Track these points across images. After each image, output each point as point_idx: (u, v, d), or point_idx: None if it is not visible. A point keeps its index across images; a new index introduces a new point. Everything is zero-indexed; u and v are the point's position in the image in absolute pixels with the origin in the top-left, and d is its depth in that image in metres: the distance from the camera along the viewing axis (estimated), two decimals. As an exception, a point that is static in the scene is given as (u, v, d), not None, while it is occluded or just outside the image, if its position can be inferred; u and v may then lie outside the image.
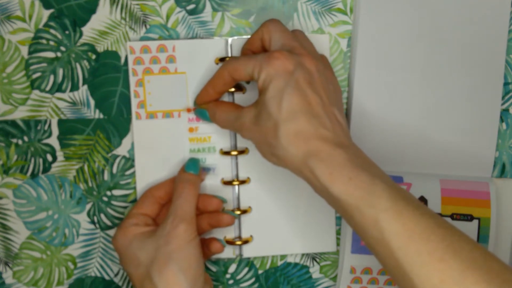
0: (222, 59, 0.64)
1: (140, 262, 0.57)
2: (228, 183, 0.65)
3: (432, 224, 0.48)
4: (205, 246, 0.63)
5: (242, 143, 0.65)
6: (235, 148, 0.65)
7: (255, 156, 0.63)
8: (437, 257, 0.47)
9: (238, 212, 0.65)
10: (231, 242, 0.65)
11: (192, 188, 0.60)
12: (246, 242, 0.66)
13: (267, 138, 0.54)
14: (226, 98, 0.64)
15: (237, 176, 0.65)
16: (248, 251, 0.66)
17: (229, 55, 0.64)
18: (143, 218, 0.61)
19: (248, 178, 0.65)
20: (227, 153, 0.65)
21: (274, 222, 0.66)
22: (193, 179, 0.61)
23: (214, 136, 0.65)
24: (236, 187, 0.65)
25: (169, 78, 0.64)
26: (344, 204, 0.51)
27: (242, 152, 0.65)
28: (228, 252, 0.66)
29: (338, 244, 0.67)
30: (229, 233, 0.66)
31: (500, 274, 0.46)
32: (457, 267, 0.46)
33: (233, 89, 0.63)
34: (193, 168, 0.62)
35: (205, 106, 0.62)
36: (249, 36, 0.60)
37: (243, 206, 0.66)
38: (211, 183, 0.65)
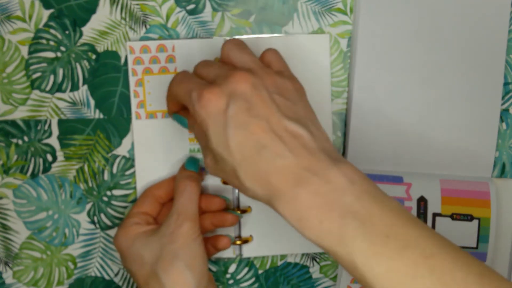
0: (221, 59, 0.64)
1: (144, 261, 0.57)
2: (228, 183, 0.65)
3: (418, 257, 0.44)
4: (209, 244, 0.63)
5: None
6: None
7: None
8: None
9: (238, 212, 0.65)
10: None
11: (194, 186, 0.60)
12: (246, 241, 0.66)
13: (233, 181, 0.50)
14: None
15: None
16: (248, 251, 0.66)
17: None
18: (144, 217, 0.61)
19: (248, 177, 0.65)
20: None
21: (274, 222, 0.66)
22: (195, 176, 0.61)
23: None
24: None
25: (169, 78, 0.63)
26: (321, 247, 0.47)
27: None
28: (228, 252, 0.66)
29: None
30: (229, 233, 0.66)
31: None
32: None
33: None
34: (193, 166, 0.62)
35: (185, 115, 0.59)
36: (249, 36, 0.60)
37: (243, 206, 0.66)
38: (212, 183, 0.65)
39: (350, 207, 0.46)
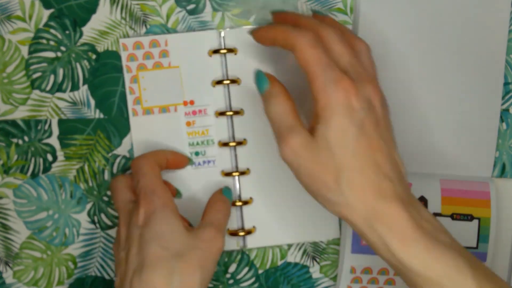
0: (215, 51, 0.64)
1: (164, 244, 0.54)
2: (229, 174, 0.65)
3: None
4: None
5: (240, 134, 0.65)
6: (233, 139, 0.65)
7: (254, 147, 0.64)
8: None
9: (240, 204, 0.65)
10: (234, 233, 0.66)
11: (228, 207, 0.62)
12: (249, 233, 0.66)
13: (323, 177, 0.49)
14: (221, 90, 0.64)
15: (236, 167, 0.65)
16: (252, 242, 0.66)
17: (222, 47, 0.64)
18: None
19: (248, 169, 0.65)
20: (225, 144, 0.65)
21: (276, 212, 0.66)
22: (228, 201, 0.62)
23: (211, 129, 0.65)
24: (237, 178, 0.65)
25: (163, 72, 0.64)
26: (418, 276, 0.47)
27: (240, 143, 0.65)
28: (232, 244, 0.66)
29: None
30: (232, 224, 0.66)
31: None
32: None
33: (228, 81, 0.64)
34: (229, 195, 0.63)
35: (271, 81, 0.54)
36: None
37: (244, 197, 0.66)
38: (212, 175, 0.65)
39: (451, 242, 0.49)
